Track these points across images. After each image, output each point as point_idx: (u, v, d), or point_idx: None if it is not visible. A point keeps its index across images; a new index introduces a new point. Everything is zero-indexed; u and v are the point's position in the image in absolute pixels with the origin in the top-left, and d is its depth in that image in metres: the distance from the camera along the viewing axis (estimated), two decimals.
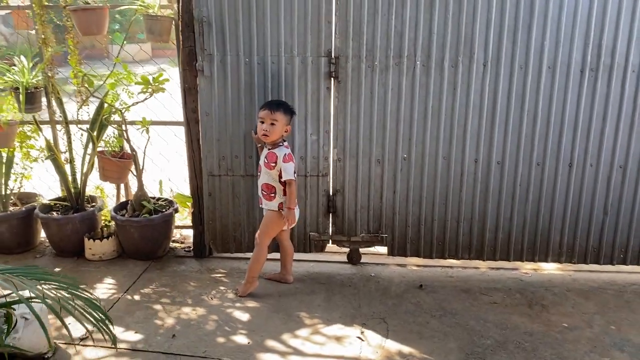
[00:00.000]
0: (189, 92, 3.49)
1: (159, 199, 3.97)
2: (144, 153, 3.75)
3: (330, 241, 3.70)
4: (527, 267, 3.68)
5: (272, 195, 3.19)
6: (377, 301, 3.25)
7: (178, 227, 4.14)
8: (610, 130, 3.36)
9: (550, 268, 3.68)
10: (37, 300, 2.10)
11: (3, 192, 3.86)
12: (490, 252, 3.62)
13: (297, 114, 3.45)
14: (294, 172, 3.13)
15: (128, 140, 3.72)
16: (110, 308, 3.16)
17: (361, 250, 3.77)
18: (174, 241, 4.06)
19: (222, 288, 3.40)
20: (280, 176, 3.13)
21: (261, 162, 3.21)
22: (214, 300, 3.26)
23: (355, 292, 3.36)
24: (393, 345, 2.81)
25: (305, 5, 3.28)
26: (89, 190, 4.10)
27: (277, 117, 3.09)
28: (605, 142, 3.37)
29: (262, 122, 3.10)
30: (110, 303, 3.22)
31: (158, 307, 3.19)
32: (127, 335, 2.90)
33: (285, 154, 3.12)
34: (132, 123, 3.70)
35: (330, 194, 3.61)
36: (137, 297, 3.30)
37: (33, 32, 3.97)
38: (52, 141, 3.91)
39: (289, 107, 3.18)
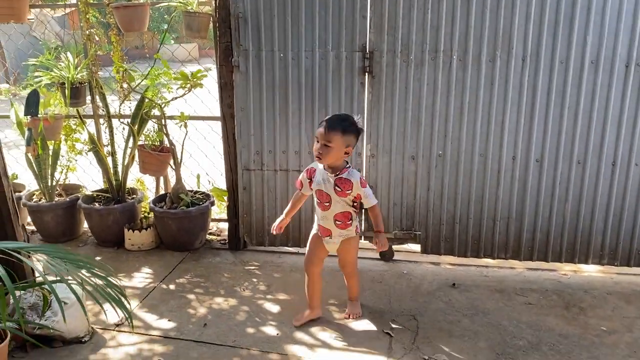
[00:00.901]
0: (225, 88, 3.55)
1: (196, 192, 4.06)
2: (182, 147, 3.84)
3: (363, 237, 3.69)
4: (566, 269, 3.56)
5: (349, 222, 2.81)
6: (408, 298, 3.22)
7: (214, 220, 4.22)
8: None
9: (590, 270, 3.55)
10: (74, 284, 2.19)
11: (50, 183, 4.03)
12: (527, 252, 3.52)
13: (330, 109, 3.46)
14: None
15: (167, 135, 3.82)
16: (146, 297, 3.26)
17: (394, 247, 3.74)
18: (210, 234, 4.15)
19: (254, 280, 3.44)
20: (354, 202, 2.78)
21: (327, 190, 2.74)
22: (246, 291, 3.31)
23: (387, 288, 3.34)
24: (422, 343, 2.78)
25: (340, 0, 3.29)
26: (130, 183, 4.23)
27: (332, 139, 2.59)
28: None
29: (318, 141, 2.66)
30: (146, 292, 3.32)
31: (191, 296, 3.26)
32: (160, 323, 2.98)
33: (361, 177, 2.74)
34: (171, 118, 3.80)
35: None
36: (172, 287, 3.38)
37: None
38: (95, 135, 4.06)
39: (351, 126, 2.65)
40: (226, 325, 2.95)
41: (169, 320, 3.01)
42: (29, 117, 3.77)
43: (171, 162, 3.92)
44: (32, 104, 3.80)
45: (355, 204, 2.79)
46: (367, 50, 3.36)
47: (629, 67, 3.15)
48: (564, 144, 3.31)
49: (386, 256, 3.73)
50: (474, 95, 3.32)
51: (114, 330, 2.92)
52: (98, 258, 3.80)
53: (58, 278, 2.13)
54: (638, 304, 3.13)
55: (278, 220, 3.00)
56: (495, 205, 3.48)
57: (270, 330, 2.90)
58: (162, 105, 3.76)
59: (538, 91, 3.26)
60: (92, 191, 4.14)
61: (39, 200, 4.07)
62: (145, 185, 4.36)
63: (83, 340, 2.80)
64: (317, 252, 2.93)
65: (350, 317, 2.99)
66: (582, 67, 3.18)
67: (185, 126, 3.78)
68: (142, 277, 3.51)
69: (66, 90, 3.75)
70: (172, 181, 4.04)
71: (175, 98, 3.77)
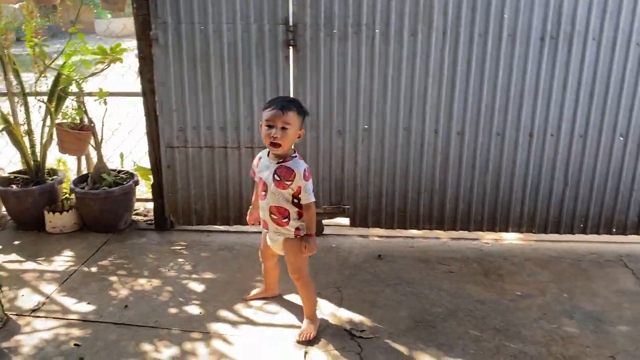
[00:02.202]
0: (145, 62, 3.42)
1: (120, 171, 3.93)
2: (102, 125, 3.69)
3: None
4: (488, 238, 3.69)
5: (285, 220, 2.54)
6: (335, 271, 3.25)
7: (140, 200, 4.12)
8: (571, 100, 3.33)
9: (511, 238, 3.69)
10: None
11: None
12: (450, 222, 3.62)
13: (256, 84, 3.41)
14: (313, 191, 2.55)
15: (86, 112, 3.66)
16: (66, 280, 3.15)
17: (324, 222, 3.76)
18: (137, 214, 4.04)
19: (180, 260, 3.39)
20: (295, 196, 2.52)
21: (266, 178, 2.51)
22: (170, 272, 3.25)
23: (314, 262, 3.34)
24: (345, 314, 2.82)
25: None
26: (51, 164, 4.06)
27: (290, 119, 2.38)
28: (566, 112, 3.35)
29: (271, 127, 2.39)
30: (66, 275, 3.20)
31: (114, 278, 3.18)
32: (79, 307, 2.89)
33: (305, 169, 2.47)
34: (90, 94, 3.64)
35: None
36: (93, 269, 3.28)
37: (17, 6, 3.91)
38: (10, 113, 3.84)
39: (301, 106, 2.48)
40: (148, 306, 2.89)
41: (88, 304, 2.92)
42: None
43: (92, 141, 3.77)
44: None
45: (295, 200, 2.51)
46: (291, 23, 3.30)
47: (544, 40, 3.24)
48: (484, 116, 3.39)
49: (316, 230, 3.73)
50: (397, 69, 3.34)
51: (29, 315, 2.81)
52: (17, 242, 3.64)
53: None
54: (553, 268, 3.28)
55: (248, 213, 2.83)
56: (420, 178, 3.54)
57: (194, 309, 2.87)
58: (80, 82, 3.59)
59: (458, 65, 3.31)
60: (10, 173, 3.93)
61: None
62: (67, 166, 4.18)
63: None
64: (265, 247, 2.76)
65: (303, 338, 2.58)
66: (500, 40, 3.25)
67: (105, 103, 3.64)
68: (62, 261, 3.39)
69: None
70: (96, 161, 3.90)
71: (94, 74, 3.61)
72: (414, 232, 3.70)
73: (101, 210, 3.66)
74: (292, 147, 2.52)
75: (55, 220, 3.70)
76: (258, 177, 2.60)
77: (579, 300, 2.94)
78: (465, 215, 3.60)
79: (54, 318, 2.79)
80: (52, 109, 3.63)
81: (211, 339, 2.62)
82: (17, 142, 3.76)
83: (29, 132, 3.79)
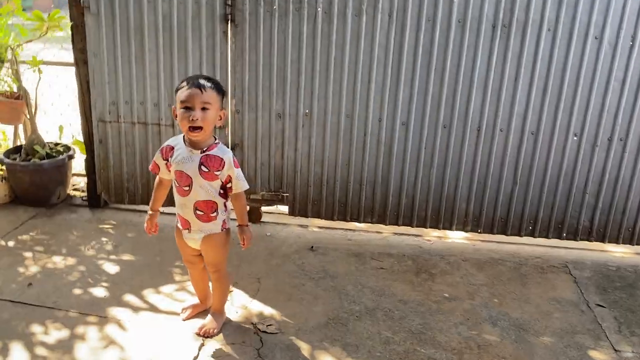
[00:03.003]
0: (77, 31, 3.26)
1: (57, 144, 3.79)
2: (36, 94, 3.54)
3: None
4: (432, 235, 3.51)
5: (214, 214, 2.28)
6: (261, 261, 3.10)
7: (78, 174, 3.97)
8: (522, 94, 3.13)
9: (456, 237, 3.51)
10: None
11: None
12: (393, 216, 3.45)
13: (192, 59, 3.24)
14: None
15: (19, 80, 3.51)
16: None
17: (263, 209, 3.61)
18: (75, 189, 3.90)
19: (104, 239, 3.25)
20: (222, 187, 2.26)
21: (189, 170, 2.20)
22: (90, 251, 3.11)
23: (241, 250, 3.17)
24: (256, 306, 2.66)
25: None
26: None
27: (210, 98, 2.10)
28: (517, 107, 3.15)
29: (188, 108, 2.09)
30: None
31: (29, 254, 3.04)
32: None
33: (232, 155, 2.24)
34: (23, 62, 3.49)
35: (229, 147, 3.42)
36: (11, 244, 3.15)
37: None
38: None
39: (221, 85, 2.20)
40: (53, 286, 2.75)
41: None
42: None
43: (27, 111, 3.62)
44: None
45: (222, 190, 2.28)
46: None
47: (496, 27, 3.04)
48: (430, 106, 3.21)
49: (252, 218, 3.58)
50: (340, 51, 3.15)
51: None
52: None
53: None
54: (489, 271, 3.11)
55: (146, 218, 2.42)
56: (362, 169, 3.36)
57: (99, 291, 2.73)
58: (14, 48, 3.43)
59: (404, 50, 3.12)
60: None
61: None
62: (6, 136, 4.04)
63: None
64: (184, 249, 2.42)
65: (202, 333, 2.40)
66: (449, 26, 3.05)
67: (40, 72, 3.48)
68: None
69: None
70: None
71: (30, 40, 3.45)
72: (356, 224, 3.54)
73: (31, 183, 3.53)
74: (213, 135, 2.25)
75: None
76: (175, 170, 2.23)
77: (508, 306, 2.76)
78: (409, 210, 3.42)
79: None
80: None
81: (107, 324, 2.48)
82: None
83: None
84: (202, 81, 2.13)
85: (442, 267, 3.12)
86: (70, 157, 3.65)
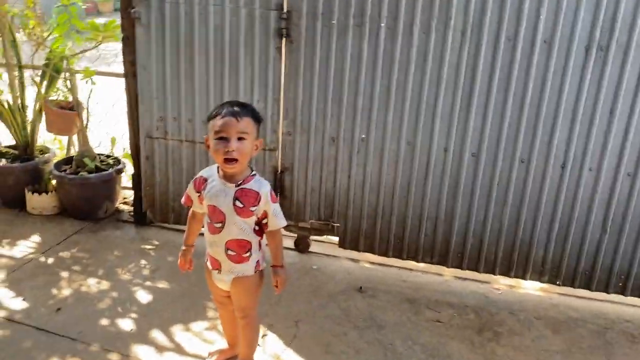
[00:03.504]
0: (127, 43, 3.13)
1: (108, 156, 3.70)
2: (87, 105, 3.46)
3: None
4: (502, 283, 3.08)
5: (247, 255, 2.03)
6: (302, 299, 2.81)
7: (130, 188, 3.86)
8: (619, 128, 2.65)
9: (530, 288, 3.05)
10: None
11: None
12: (456, 258, 3.05)
13: (244, 76, 3.02)
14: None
15: (73, 90, 3.44)
16: (17, 269, 2.94)
17: (311, 237, 3.32)
18: (125, 203, 3.80)
19: (143, 262, 3.09)
20: (257, 223, 2.02)
21: (223, 205, 1.97)
22: (126, 275, 2.96)
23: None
24: (290, 357, 2.38)
25: None
26: (48, 141, 3.90)
27: (247, 127, 1.89)
28: (611, 142, 2.67)
29: (223, 139, 1.87)
30: (21, 263, 3.00)
31: (65, 274, 2.93)
32: (13, 303, 2.66)
33: (270, 188, 2.00)
34: (77, 72, 3.42)
35: (278, 171, 3.17)
36: (50, 261, 3.06)
37: None
38: (9, 86, 3.71)
39: (258, 112, 1.98)
40: (82, 313, 2.61)
41: (23, 300, 2.69)
42: None
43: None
44: None
45: (257, 227, 2.03)
46: (284, 9, 2.87)
47: (590, 50, 2.58)
48: (506, 137, 2.79)
49: (300, 247, 3.31)
50: (404, 72, 2.81)
51: None
52: None
53: None
54: (567, 334, 2.64)
55: (179, 254, 2.23)
56: (423, 202, 3.00)
57: (127, 324, 2.55)
58: (69, 58, 3.36)
59: (478, 72, 2.72)
60: (5, 146, 3.81)
61: None
62: (63, 145, 4.01)
63: None
64: (214, 289, 2.18)
65: None
66: (533, 46, 2.63)
67: (93, 82, 3.39)
68: (25, 246, 3.20)
69: None
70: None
71: (84, 51, 3.38)
72: (414, 264, 3.17)
73: (78, 196, 3.45)
74: (249, 166, 2.01)
75: (34, 202, 3.53)
76: (208, 204, 2.01)
77: None
78: (475, 253, 3.01)
79: None
80: (38, 84, 3.43)
81: None
82: (2, 117, 3.61)
83: (22, 107, 3.63)
84: (237, 108, 1.90)
85: (511, 325, 2.69)
86: (119, 172, 3.54)
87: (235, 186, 1.96)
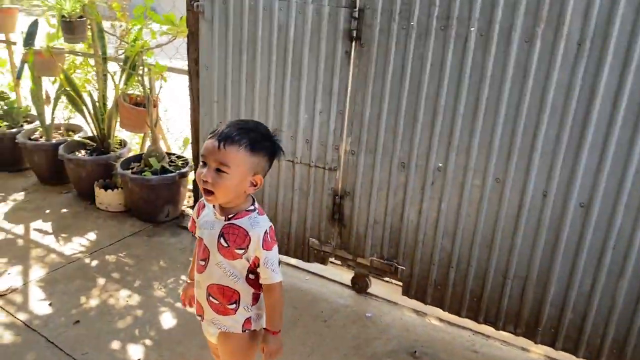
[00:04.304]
0: (192, 39, 2.89)
1: (178, 157, 3.52)
2: (156, 101, 3.30)
3: (334, 256, 2.83)
4: None
5: (233, 305, 1.63)
6: (338, 356, 2.33)
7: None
8: None
9: None
10: None
11: (47, 122, 3.80)
12: (548, 333, 2.36)
13: (307, 83, 2.61)
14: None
15: (143, 86, 3.29)
16: (58, 269, 2.85)
17: (371, 277, 2.82)
18: (192, 207, 3.60)
19: (183, 278, 2.83)
20: (251, 271, 1.62)
21: (208, 240, 1.60)
22: (160, 290, 2.72)
23: (324, 333, 2.48)
24: None
25: None
26: (127, 136, 3.86)
27: (231, 159, 1.47)
28: None
29: (205, 164, 1.51)
30: (65, 262, 2.91)
31: (101, 281, 2.77)
32: (37, 306, 2.54)
33: (267, 230, 1.57)
34: (149, 66, 3.26)
35: (338, 195, 2.72)
36: (94, 263, 2.93)
37: None
38: (95, 77, 3.70)
39: (263, 140, 1.54)
40: (97, 330, 2.40)
41: (49, 304, 2.56)
42: (25, 48, 3.53)
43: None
44: (30, 34, 3.55)
45: (251, 275, 1.62)
46: (356, 7, 2.41)
47: None
48: (631, 184, 2.05)
49: (357, 286, 2.83)
50: (496, 89, 2.20)
51: None
52: (64, 211, 3.50)
53: None
54: None
55: (182, 290, 1.88)
56: (510, 256, 2.35)
57: (138, 351, 2.28)
58: (143, 52, 3.22)
59: (598, 97, 2.03)
60: (84, 137, 3.82)
61: (40, 139, 3.87)
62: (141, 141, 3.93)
63: None
64: (208, 340, 1.80)
65: None
66: None
67: (164, 79, 3.22)
68: (79, 244, 3.11)
69: (56, 21, 3.42)
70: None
71: (159, 45, 3.22)
72: (492, 330, 2.52)
73: (140, 197, 3.31)
74: (250, 195, 1.61)
75: (101, 197, 3.47)
76: (198, 235, 1.67)
77: None
78: (574, 332, 2.30)
79: (4, 311, 2.48)
80: (113, 76, 3.35)
81: None
82: (75, 106, 3.60)
83: (102, 99, 3.59)
84: (233, 132, 1.49)
85: None
86: (183, 175, 3.33)
87: (225, 220, 1.57)
